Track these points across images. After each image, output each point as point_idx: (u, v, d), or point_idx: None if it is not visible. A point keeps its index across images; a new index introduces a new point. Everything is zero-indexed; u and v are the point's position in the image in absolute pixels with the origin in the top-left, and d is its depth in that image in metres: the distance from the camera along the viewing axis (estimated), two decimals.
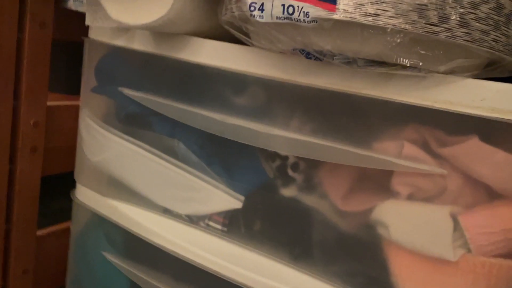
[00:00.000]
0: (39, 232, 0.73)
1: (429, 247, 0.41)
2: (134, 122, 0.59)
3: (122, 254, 0.63)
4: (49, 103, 0.70)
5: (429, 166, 0.40)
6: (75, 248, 0.70)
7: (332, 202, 0.48)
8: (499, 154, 0.38)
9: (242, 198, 0.54)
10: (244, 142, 0.49)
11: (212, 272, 0.53)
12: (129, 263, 0.62)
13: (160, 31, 0.50)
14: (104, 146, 0.60)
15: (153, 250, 0.58)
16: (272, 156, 0.52)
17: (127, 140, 0.58)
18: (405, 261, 0.43)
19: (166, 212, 0.59)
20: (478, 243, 0.39)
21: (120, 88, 0.57)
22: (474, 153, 0.38)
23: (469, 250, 0.40)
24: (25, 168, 0.67)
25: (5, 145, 0.65)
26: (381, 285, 0.45)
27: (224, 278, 0.52)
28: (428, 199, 0.42)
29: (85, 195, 0.65)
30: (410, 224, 0.42)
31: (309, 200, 0.50)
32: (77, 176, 0.67)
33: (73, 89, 0.70)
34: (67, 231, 0.72)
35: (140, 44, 0.54)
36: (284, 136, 0.47)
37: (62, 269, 0.73)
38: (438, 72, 0.38)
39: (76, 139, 0.65)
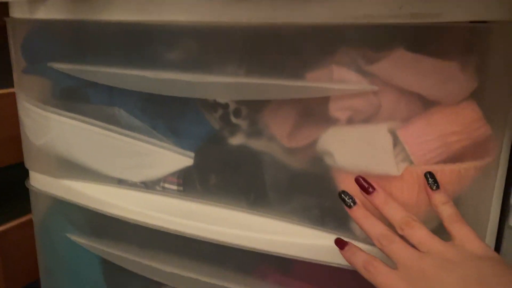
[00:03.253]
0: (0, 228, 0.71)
1: (373, 166, 0.41)
2: (71, 97, 0.57)
3: (87, 232, 0.62)
4: None
5: (360, 85, 0.39)
6: (40, 237, 0.69)
7: (279, 141, 0.48)
8: (424, 61, 0.38)
9: (192, 154, 0.53)
10: (182, 95, 0.48)
11: (175, 233, 0.52)
12: (95, 240, 0.61)
13: None
14: (45, 127, 0.58)
15: (115, 223, 0.57)
16: (214, 106, 0.51)
17: (67, 116, 0.56)
18: (353, 185, 0.43)
19: (121, 182, 0.58)
20: (419, 153, 0.40)
21: (49, 64, 0.54)
22: (401, 64, 0.38)
23: (411, 162, 0.40)
24: None
25: None
26: (335, 213, 0.45)
27: (187, 236, 0.52)
28: (366, 120, 0.41)
29: (39, 181, 0.63)
30: (352, 148, 0.42)
31: (257, 144, 0.50)
32: (27, 163, 0.65)
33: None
34: (30, 223, 0.70)
35: (59, 12, 0.51)
36: (220, 82, 0.46)
37: (33, 263, 0.72)
38: None
39: (18, 127, 0.63)
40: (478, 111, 0.39)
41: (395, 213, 0.38)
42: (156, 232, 0.54)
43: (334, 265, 0.45)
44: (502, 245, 0.46)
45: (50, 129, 0.58)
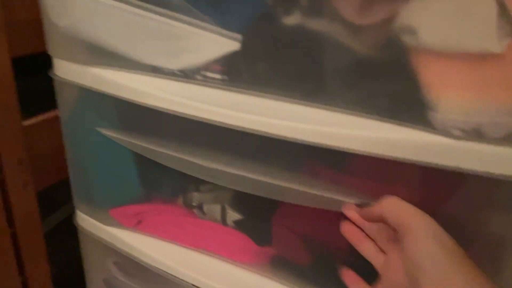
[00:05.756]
0: (26, 122, 0.67)
1: (468, 41, 0.34)
2: None
3: (118, 126, 0.58)
4: None
5: None
6: (68, 132, 0.64)
7: (345, 18, 0.41)
8: None
9: (239, 36, 0.46)
10: None
11: (218, 124, 0.47)
12: (128, 134, 0.57)
13: None
14: (70, 4, 0.51)
15: (150, 114, 0.52)
16: None
17: None
18: (437, 66, 0.36)
19: (156, 70, 0.52)
20: None
21: None
22: None
23: None
24: None
25: None
26: (409, 101, 0.39)
27: (231, 127, 0.47)
28: None
29: (65, 69, 0.57)
30: (443, 20, 0.35)
31: (317, 24, 0.43)
32: (51, 49, 0.58)
33: None
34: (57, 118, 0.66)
35: None
36: None
37: (63, 160, 0.69)
38: None
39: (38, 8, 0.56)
40: None
41: None
42: (195, 124, 0.49)
43: (400, 160, 0.40)
44: None
45: (75, 7, 0.51)
